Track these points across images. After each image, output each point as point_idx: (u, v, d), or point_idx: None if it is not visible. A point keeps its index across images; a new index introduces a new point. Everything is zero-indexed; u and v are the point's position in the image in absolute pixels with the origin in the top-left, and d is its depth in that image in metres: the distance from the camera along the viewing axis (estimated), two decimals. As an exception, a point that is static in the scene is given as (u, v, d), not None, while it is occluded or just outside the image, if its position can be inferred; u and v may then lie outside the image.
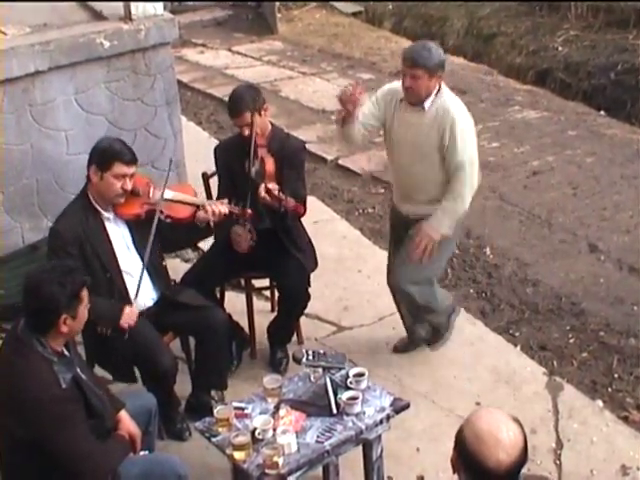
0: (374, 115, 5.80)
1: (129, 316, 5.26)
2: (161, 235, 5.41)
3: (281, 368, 6.13)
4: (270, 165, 5.89)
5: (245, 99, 5.83)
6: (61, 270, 4.22)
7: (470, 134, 5.63)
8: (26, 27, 6.92)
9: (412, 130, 5.64)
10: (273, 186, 5.65)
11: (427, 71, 5.45)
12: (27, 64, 6.54)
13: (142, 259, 5.40)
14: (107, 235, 5.39)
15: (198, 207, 5.60)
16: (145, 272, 5.39)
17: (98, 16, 7.28)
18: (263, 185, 5.64)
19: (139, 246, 5.45)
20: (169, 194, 5.56)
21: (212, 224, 5.59)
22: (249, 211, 5.74)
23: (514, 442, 3.09)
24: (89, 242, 5.28)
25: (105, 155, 5.32)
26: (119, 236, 5.45)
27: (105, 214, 5.40)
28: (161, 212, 5.44)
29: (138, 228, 5.46)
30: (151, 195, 5.50)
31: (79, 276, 4.25)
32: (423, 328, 6.24)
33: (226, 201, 5.68)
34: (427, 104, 5.56)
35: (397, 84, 5.73)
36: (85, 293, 4.25)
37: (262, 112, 5.89)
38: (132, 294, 5.36)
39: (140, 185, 5.48)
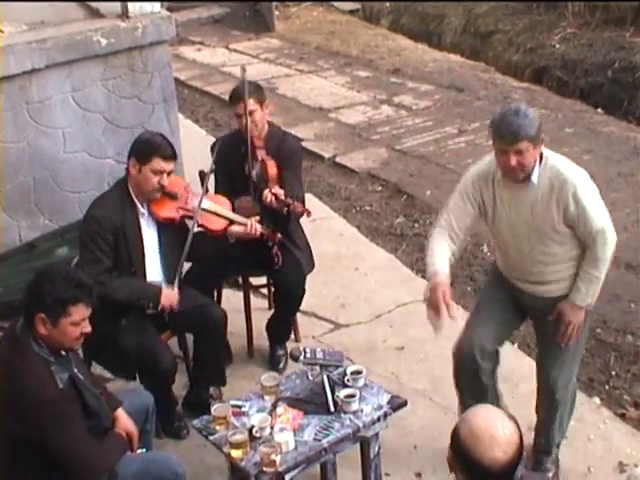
0: (469, 212, 4.97)
1: (170, 296, 5.32)
2: (191, 245, 5.43)
3: (280, 366, 6.13)
4: (272, 168, 5.89)
5: (249, 87, 5.85)
6: (65, 274, 4.18)
7: (596, 195, 4.81)
8: (23, 24, 6.90)
9: (526, 210, 4.80)
10: (278, 190, 5.65)
11: (532, 141, 4.64)
12: (24, 62, 6.53)
13: (162, 262, 5.44)
14: (140, 231, 5.40)
15: (232, 222, 5.63)
16: (163, 276, 5.44)
17: (95, 14, 7.27)
18: (268, 190, 5.64)
19: (164, 251, 5.47)
20: (206, 204, 5.57)
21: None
22: (279, 236, 5.80)
23: (510, 440, 3.09)
24: (124, 233, 5.29)
25: (145, 148, 5.34)
26: (149, 234, 5.45)
27: (141, 209, 5.41)
28: (196, 221, 5.46)
29: (169, 233, 5.48)
30: (188, 201, 5.52)
31: (76, 290, 4.13)
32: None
33: (257, 218, 5.71)
34: (534, 177, 4.72)
35: (484, 164, 4.97)
36: (77, 310, 4.13)
37: (263, 106, 5.90)
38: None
39: (179, 189, 5.50)
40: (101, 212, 5.28)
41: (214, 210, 5.62)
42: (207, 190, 5.68)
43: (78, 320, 4.16)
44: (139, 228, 5.39)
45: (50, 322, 4.10)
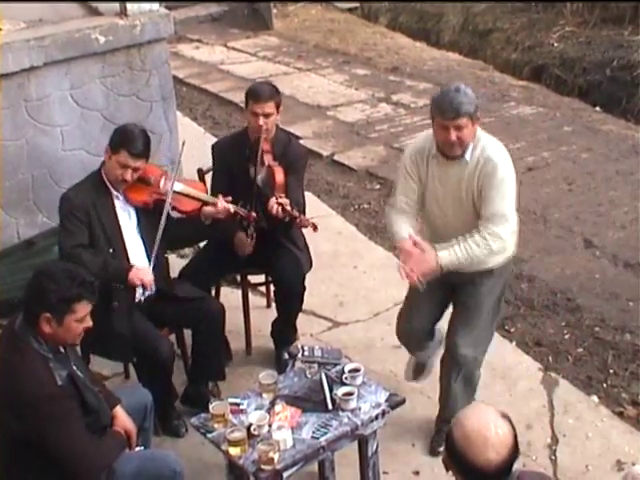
0: (413, 189, 5.20)
1: (141, 273, 5.30)
2: (167, 229, 5.41)
3: (287, 370, 6.10)
4: (280, 175, 5.84)
5: (272, 89, 5.89)
6: (67, 273, 4.18)
7: (511, 184, 5.00)
8: (21, 22, 6.91)
9: (453, 185, 5.06)
10: (284, 200, 5.62)
11: (470, 118, 4.87)
12: (22, 59, 6.53)
13: (146, 246, 5.46)
14: (115, 212, 5.44)
15: (206, 203, 5.62)
16: (148, 259, 5.43)
17: (93, 11, 7.27)
18: (274, 199, 5.61)
19: (144, 235, 5.50)
20: (179, 186, 5.58)
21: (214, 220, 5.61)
22: (254, 215, 5.75)
23: (503, 440, 3.09)
24: (97, 214, 5.34)
25: (118, 139, 5.38)
26: (126, 218, 5.49)
27: (115, 192, 5.44)
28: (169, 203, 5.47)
29: (145, 216, 5.51)
30: (161, 185, 5.53)
31: (80, 287, 4.16)
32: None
33: (229, 199, 5.68)
34: (467, 155, 4.97)
35: (420, 141, 5.24)
36: (81, 307, 4.16)
37: (279, 110, 5.91)
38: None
39: (152, 174, 5.54)
40: (72, 192, 5.41)
41: (186, 192, 5.62)
42: (176, 173, 5.65)
43: (82, 317, 4.18)
44: (114, 210, 5.43)
45: (55, 321, 4.12)
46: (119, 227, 5.44)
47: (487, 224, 4.93)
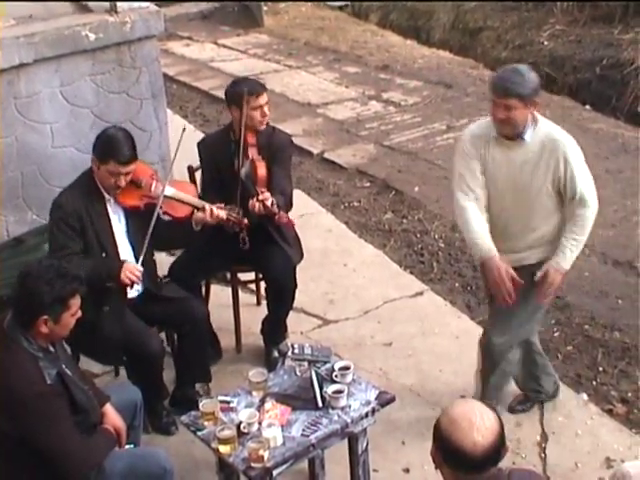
0: (475, 170, 5.09)
1: (131, 270, 5.25)
2: (156, 231, 5.36)
3: (277, 368, 6.10)
4: (262, 170, 5.86)
5: (260, 84, 6.02)
6: (57, 271, 4.18)
7: (583, 161, 4.99)
8: (11, 19, 6.89)
9: (514, 168, 4.99)
10: (266, 196, 5.61)
11: (522, 100, 4.81)
12: (12, 56, 6.50)
13: (134, 250, 5.43)
14: (108, 216, 5.40)
15: (197, 208, 5.59)
16: (136, 262, 5.40)
17: (83, 9, 7.25)
18: (255, 198, 5.60)
19: (132, 236, 5.47)
20: (170, 191, 5.53)
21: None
22: (245, 221, 5.72)
23: (489, 426, 3.09)
24: (90, 219, 5.30)
25: (103, 149, 5.30)
26: (117, 220, 5.46)
27: (107, 196, 5.41)
28: (160, 208, 5.43)
29: (134, 218, 5.47)
30: (153, 189, 5.48)
31: (72, 283, 4.19)
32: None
33: (223, 205, 5.66)
34: (527, 136, 4.93)
35: (481, 125, 5.17)
36: (75, 302, 4.20)
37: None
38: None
39: (143, 176, 5.48)
40: (65, 198, 5.34)
41: (178, 197, 5.58)
42: (168, 177, 5.63)
43: (76, 310, 4.22)
44: (107, 214, 5.40)
45: (52, 320, 4.13)
46: (111, 231, 5.41)
47: (577, 207, 4.96)
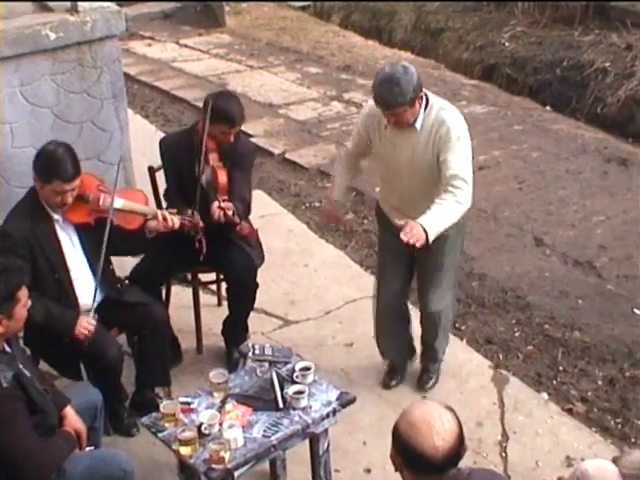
0: (365, 143, 5.50)
1: (84, 325, 5.13)
2: (111, 244, 5.26)
3: (238, 369, 6.07)
4: (222, 177, 5.82)
5: (241, 109, 5.85)
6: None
7: (467, 145, 5.14)
8: (-30, 18, 6.84)
9: (407, 151, 5.21)
10: (227, 205, 5.58)
11: (407, 104, 4.98)
12: (-29, 55, 6.46)
13: (91, 267, 5.32)
14: (56, 236, 5.26)
15: (149, 217, 5.47)
16: (93, 277, 5.32)
17: (44, 8, 7.20)
18: (216, 204, 5.58)
19: (88, 252, 5.35)
20: (119, 202, 5.36)
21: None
22: (201, 224, 5.64)
23: (448, 428, 3.11)
24: (38, 243, 5.15)
25: (45, 169, 5.12)
26: (67, 239, 5.33)
27: (55, 216, 5.25)
28: (111, 222, 5.29)
29: (87, 233, 5.34)
30: (101, 203, 5.31)
31: (15, 276, 4.18)
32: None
33: (175, 211, 5.58)
34: (417, 124, 5.11)
35: (372, 105, 5.31)
36: (23, 293, 4.19)
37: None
38: (83, 299, 5.29)
39: (90, 190, 5.31)
40: (11, 226, 5.17)
41: (129, 207, 5.43)
42: (115, 189, 5.39)
43: (25, 300, 4.22)
44: (55, 235, 5.25)
45: (6, 317, 4.13)
46: (61, 251, 5.26)
47: (448, 187, 4.99)
